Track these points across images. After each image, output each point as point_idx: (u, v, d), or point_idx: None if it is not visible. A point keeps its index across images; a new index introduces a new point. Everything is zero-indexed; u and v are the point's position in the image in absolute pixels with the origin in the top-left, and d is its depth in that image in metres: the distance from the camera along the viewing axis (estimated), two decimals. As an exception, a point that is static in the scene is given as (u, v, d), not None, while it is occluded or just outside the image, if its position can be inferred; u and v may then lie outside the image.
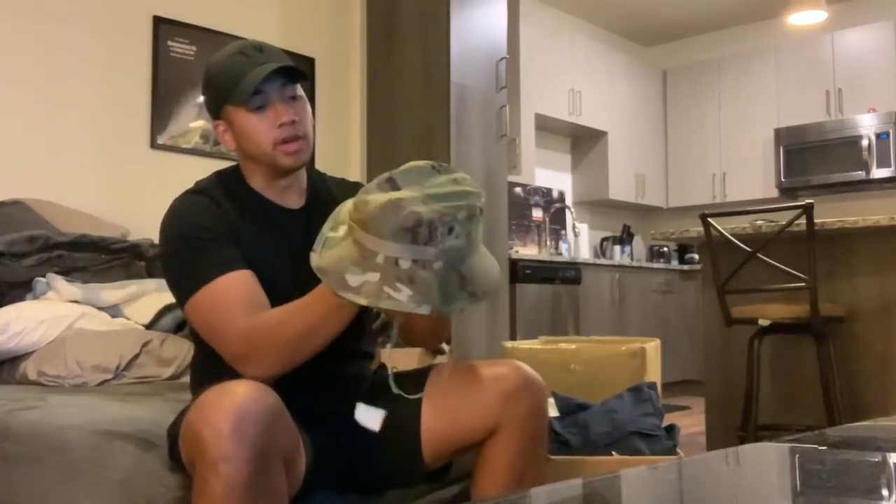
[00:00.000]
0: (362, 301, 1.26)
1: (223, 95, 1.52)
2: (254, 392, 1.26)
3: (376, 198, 1.28)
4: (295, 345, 1.35)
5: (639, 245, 7.02)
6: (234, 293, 1.40)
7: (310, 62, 4.40)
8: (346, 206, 1.39)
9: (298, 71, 1.53)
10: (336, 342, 1.53)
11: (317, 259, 1.34)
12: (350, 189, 1.69)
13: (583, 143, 6.68)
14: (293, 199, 1.60)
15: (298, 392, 1.36)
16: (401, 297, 1.24)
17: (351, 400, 1.57)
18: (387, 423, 1.54)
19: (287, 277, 1.51)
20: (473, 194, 1.31)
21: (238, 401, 1.23)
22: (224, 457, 1.19)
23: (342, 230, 1.35)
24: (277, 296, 1.46)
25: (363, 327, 1.68)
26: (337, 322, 1.35)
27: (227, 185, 1.56)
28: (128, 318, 2.78)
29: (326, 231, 1.38)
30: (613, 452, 2.07)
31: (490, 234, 4.62)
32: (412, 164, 1.35)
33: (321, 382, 1.50)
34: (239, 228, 1.49)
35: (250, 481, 1.21)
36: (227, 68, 1.52)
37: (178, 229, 1.47)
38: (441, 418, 1.52)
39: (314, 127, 1.59)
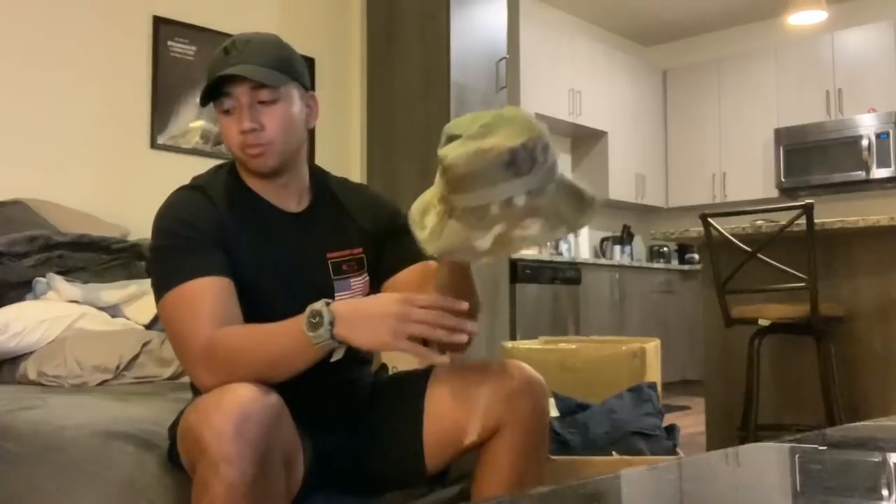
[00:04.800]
0: (501, 254, 1.20)
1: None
2: (255, 392, 1.25)
3: (456, 157, 1.21)
4: (254, 371, 1.30)
5: (639, 245, 7.02)
6: (204, 299, 1.36)
7: (310, 62, 4.40)
8: (426, 196, 1.33)
9: (262, 78, 1.44)
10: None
11: (434, 246, 1.26)
12: (351, 191, 1.67)
13: (583, 143, 6.68)
14: (292, 201, 1.56)
15: (297, 398, 1.35)
16: (534, 231, 1.20)
17: (351, 404, 1.57)
18: (389, 426, 1.54)
19: (279, 285, 1.49)
20: (524, 115, 1.26)
21: (240, 401, 1.23)
22: (226, 457, 1.19)
23: (434, 214, 1.28)
24: (267, 304, 1.45)
25: None
26: (303, 359, 1.30)
27: (225, 183, 1.53)
28: (128, 318, 2.78)
29: (421, 229, 1.31)
30: (613, 452, 2.07)
31: (490, 234, 4.61)
32: (455, 121, 1.29)
33: (320, 389, 1.49)
34: (232, 230, 1.46)
35: (252, 482, 1.20)
36: (210, 65, 1.47)
37: (169, 225, 1.45)
38: (442, 420, 1.51)
39: (300, 127, 1.52)
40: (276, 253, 1.51)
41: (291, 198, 1.56)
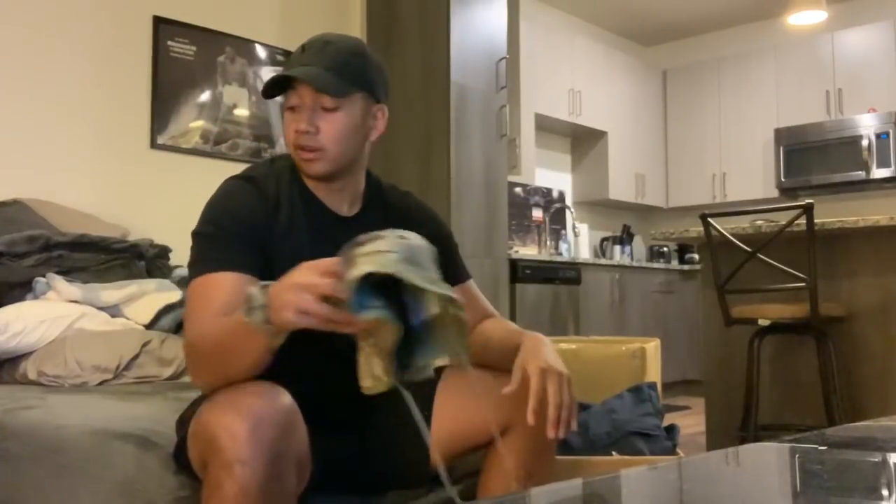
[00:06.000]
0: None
1: None
2: (271, 394, 1.26)
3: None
4: (210, 365, 1.30)
5: (639, 245, 7.01)
6: (217, 294, 1.36)
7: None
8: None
9: (320, 84, 1.43)
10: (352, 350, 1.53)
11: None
12: (401, 198, 1.67)
13: (583, 143, 6.68)
14: (345, 204, 1.56)
15: (307, 396, 1.35)
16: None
17: (358, 404, 1.57)
18: (396, 426, 1.54)
19: None
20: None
21: (254, 403, 1.22)
22: (240, 459, 1.19)
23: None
24: None
25: None
26: (252, 346, 1.24)
27: (281, 176, 1.53)
28: (128, 318, 2.78)
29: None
30: (613, 452, 2.07)
31: (490, 234, 4.62)
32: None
33: (331, 388, 1.49)
34: (280, 225, 1.47)
35: (264, 484, 1.20)
36: (287, 60, 1.52)
37: (215, 213, 1.46)
38: (451, 419, 1.51)
39: (358, 139, 1.50)
40: (322, 252, 1.50)
41: (344, 201, 1.56)
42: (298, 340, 1.40)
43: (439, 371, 1.58)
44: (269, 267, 1.41)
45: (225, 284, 1.38)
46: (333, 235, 1.51)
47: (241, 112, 4.17)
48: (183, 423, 1.50)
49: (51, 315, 2.55)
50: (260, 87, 4.24)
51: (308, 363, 1.45)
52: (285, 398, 1.28)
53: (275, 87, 1.47)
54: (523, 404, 1.46)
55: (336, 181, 1.53)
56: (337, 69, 1.45)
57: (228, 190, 1.49)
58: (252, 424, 1.20)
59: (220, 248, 1.42)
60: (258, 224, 1.44)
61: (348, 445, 1.53)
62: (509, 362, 1.44)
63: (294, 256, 1.45)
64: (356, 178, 1.57)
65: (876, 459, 1.23)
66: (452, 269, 1.58)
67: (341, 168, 1.50)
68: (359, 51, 1.51)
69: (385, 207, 1.62)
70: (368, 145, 1.55)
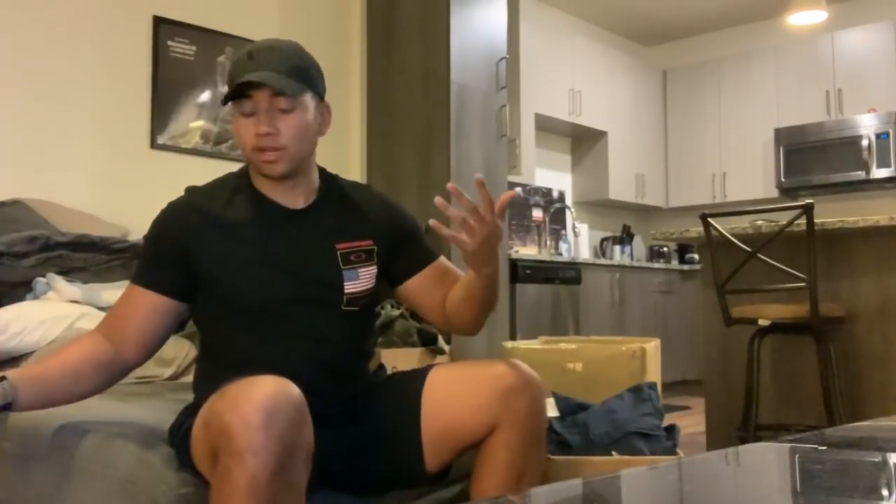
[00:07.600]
0: None
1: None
2: (282, 387, 1.27)
3: None
4: None
5: (639, 245, 7.01)
6: (121, 305, 1.55)
7: (310, 62, 4.40)
8: None
9: (282, 87, 1.48)
10: (341, 340, 1.54)
11: None
12: (362, 190, 1.71)
13: (583, 143, 6.68)
14: (299, 199, 1.60)
15: (302, 391, 1.36)
16: None
17: (351, 400, 1.57)
18: (387, 426, 1.54)
19: (287, 277, 1.52)
20: None
21: (268, 394, 1.23)
22: (252, 448, 1.19)
23: None
24: (274, 296, 1.50)
25: (369, 326, 1.69)
26: None
27: (232, 184, 1.60)
28: (128, 318, 2.77)
29: None
30: (613, 452, 2.07)
31: (490, 234, 4.62)
32: None
33: (322, 381, 1.50)
34: (227, 230, 1.53)
35: (274, 475, 1.21)
36: (232, 68, 1.54)
37: (150, 229, 1.60)
38: (440, 418, 1.52)
39: (312, 135, 1.57)
40: (281, 246, 1.55)
41: (298, 197, 1.60)
42: (293, 334, 1.41)
43: (424, 373, 1.58)
44: (217, 264, 1.52)
45: (131, 298, 1.55)
46: (290, 227, 1.58)
47: (241, 112, 4.17)
48: (176, 429, 1.51)
49: (51, 315, 2.55)
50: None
51: (302, 352, 1.47)
52: (295, 391, 1.29)
53: (230, 96, 1.51)
54: (511, 402, 1.47)
55: (290, 180, 1.57)
56: (288, 72, 1.51)
57: (165, 210, 1.61)
58: (266, 415, 1.21)
59: (144, 263, 1.58)
60: (177, 246, 1.54)
61: (341, 445, 1.54)
62: (474, 288, 1.57)
63: (251, 254, 1.53)
64: (309, 174, 1.61)
65: (876, 459, 1.23)
66: (421, 252, 1.68)
67: (297, 166, 1.56)
68: (302, 53, 1.57)
69: (341, 198, 1.66)
70: (316, 142, 1.61)
